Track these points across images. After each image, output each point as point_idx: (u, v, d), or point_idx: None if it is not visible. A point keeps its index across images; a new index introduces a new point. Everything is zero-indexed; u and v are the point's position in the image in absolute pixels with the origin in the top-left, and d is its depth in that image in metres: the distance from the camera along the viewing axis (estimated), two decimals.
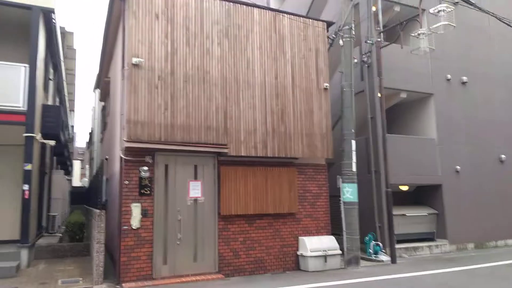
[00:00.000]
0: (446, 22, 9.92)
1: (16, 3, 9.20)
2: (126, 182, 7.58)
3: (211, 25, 8.64)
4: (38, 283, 7.30)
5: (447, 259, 10.59)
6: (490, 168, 13.10)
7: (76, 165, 41.13)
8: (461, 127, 12.87)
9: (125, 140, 7.50)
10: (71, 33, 25.51)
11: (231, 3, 9.00)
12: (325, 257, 8.75)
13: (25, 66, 9.11)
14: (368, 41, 11.34)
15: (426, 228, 11.94)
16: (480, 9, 11.85)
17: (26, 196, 8.66)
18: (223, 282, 7.60)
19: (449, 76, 12.92)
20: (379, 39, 11.08)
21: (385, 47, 11.23)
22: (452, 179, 12.31)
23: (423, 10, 11.44)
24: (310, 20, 10.04)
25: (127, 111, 7.56)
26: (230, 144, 8.37)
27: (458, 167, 12.45)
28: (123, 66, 8.05)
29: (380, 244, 10.35)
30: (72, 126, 28.28)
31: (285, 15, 9.67)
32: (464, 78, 13.19)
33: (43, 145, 10.84)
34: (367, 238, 10.43)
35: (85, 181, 38.39)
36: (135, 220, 7.50)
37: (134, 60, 7.69)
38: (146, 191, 7.70)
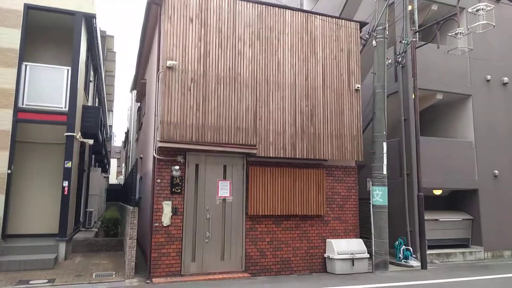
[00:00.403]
0: (485, 21, 9.59)
1: (60, 9, 9.76)
2: (158, 180, 7.86)
3: (243, 28, 8.78)
4: (74, 275, 7.70)
5: (481, 266, 10.24)
6: None
7: (113, 163, 42.70)
8: (501, 130, 12.38)
9: (158, 140, 7.78)
10: (112, 37, 26.56)
11: (264, 6, 9.10)
12: (352, 260, 8.68)
13: (67, 69, 9.63)
14: (403, 41, 11.11)
15: (460, 234, 11.58)
16: None
17: (66, 192, 9.13)
18: (249, 281, 7.72)
19: (489, 77, 12.46)
20: (414, 39, 10.83)
21: (421, 47, 10.98)
22: (490, 184, 11.86)
23: (462, 8, 11.09)
24: (343, 20, 9.97)
25: (161, 112, 7.83)
26: (259, 145, 8.47)
27: (496, 171, 11.98)
28: (158, 69, 8.34)
29: (411, 249, 10.15)
30: (110, 126, 29.40)
31: (317, 16, 9.66)
32: (505, 79, 12.69)
33: (82, 144, 11.39)
34: (397, 242, 10.26)
35: (121, 179, 39.72)
36: (166, 217, 7.76)
37: (169, 63, 7.95)
38: (177, 189, 7.95)
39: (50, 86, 9.44)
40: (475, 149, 11.89)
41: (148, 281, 7.38)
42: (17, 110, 8.99)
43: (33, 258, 8.21)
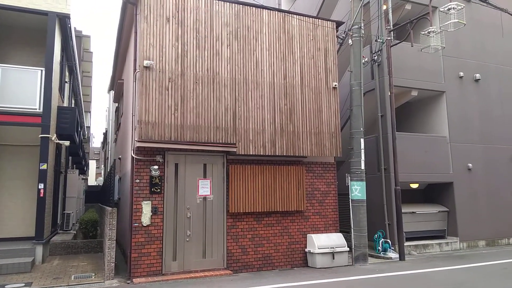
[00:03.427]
0: (456, 20, 9.90)
1: (33, 10, 9.51)
2: (137, 180, 7.81)
3: (221, 27, 8.80)
4: (51, 278, 7.56)
5: (457, 256, 10.56)
6: (504, 166, 12.99)
7: (92, 165, 41.96)
8: (474, 125, 12.78)
9: (136, 140, 7.72)
10: (88, 37, 26.14)
11: (241, 5, 9.13)
12: (333, 254, 8.83)
13: (41, 70, 9.41)
14: (378, 40, 11.35)
15: (436, 225, 11.92)
16: (493, 5, 11.76)
17: (41, 195, 8.94)
18: (231, 278, 7.75)
19: (461, 74, 12.84)
20: (389, 38, 11.07)
21: (396, 46, 11.24)
22: (464, 177, 12.23)
23: (434, 8, 11.41)
24: (319, 20, 10.10)
25: (139, 112, 7.77)
26: (239, 143, 8.51)
27: (470, 164, 12.37)
28: (135, 69, 8.27)
29: (389, 242, 10.39)
30: (88, 127, 28.90)
31: (294, 16, 9.76)
32: (477, 75, 13.09)
33: (58, 146, 11.17)
34: (376, 235, 10.49)
35: (101, 181, 39.12)
36: (146, 217, 7.72)
37: (146, 62, 7.90)
38: (156, 189, 7.91)
39: (23, 87, 9.20)
40: (450, 143, 12.24)
41: (129, 282, 7.32)
42: None
43: (9, 262, 8.02)
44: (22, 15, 9.74)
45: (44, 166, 9.06)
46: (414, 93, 12.24)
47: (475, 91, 13.04)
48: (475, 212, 12.16)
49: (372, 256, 9.96)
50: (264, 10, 9.39)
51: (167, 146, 7.96)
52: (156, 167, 7.94)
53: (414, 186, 12.24)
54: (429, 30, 10.25)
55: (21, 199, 10.09)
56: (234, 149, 8.43)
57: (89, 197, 24.34)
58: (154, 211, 7.82)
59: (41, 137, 9.19)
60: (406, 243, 10.50)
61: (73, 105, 15.65)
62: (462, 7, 9.86)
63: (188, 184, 8.27)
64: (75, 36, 13.86)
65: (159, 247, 7.75)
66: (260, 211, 8.71)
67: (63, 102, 12.19)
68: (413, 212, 11.48)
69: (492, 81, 13.38)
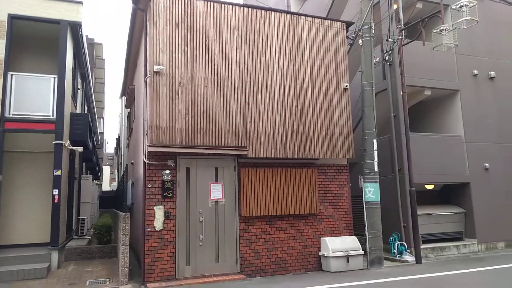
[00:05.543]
0: (469, 17, 9.74)
1: (45, 18, 9.69)
2: (149, 185, 7.82)
3: (230, 31, 8.80)
4: (67, 283, 7.62)
5: (475, 258, 10.31)
6: None
7: (106, 170, 42.41)
8: (490, 123, 12.52)
9: (148, 145, 7.75)
10: (100, 44, 26.49)
11: (249, 9, 9.13)
12: (347, 257, 8.71)
13: (54, 77, 9.57)
14: (390, 39, 11.23)
15: (453, 227, 11.66)
16: (507, 2, 11.55)
17: (56, 201, 9.05)
18: (245, 283, 7.69)
19: (475, 72, 12.61)
20: (400, 37, 10.93)
21: (408, 45, 11.09)
22: (481, 177, 11.97)
23: (446, 5, 11.24)
24: (329, 21, 10.04)
25: (150, 117, 7.81)
26: (250, 146, 8.48)
27: (487, 164, 12.10)
28: (145, 74, 8.33)
29: (405, 244, 10.21)
30: (102, 133, 29.20)
31: (303, 17, 9.71)
32: (492, 73, 12.84)
33: (72, 152, 11.30)
34: (391, 238, 10.32)
35: (115, 186, 39.51)
36: (158, 222, 7.72)
37: (156, 67, 7.93)
38: (168, 193, 7.92)
39: (36, 95, 9.38)
40: (465, 143, 12.00)
41: (143, 286, 7.32)
42: (3, 120, 8.91)
43: (25, 267, 8.12)
44: (35, 24, 9.90)
45: (58, 172, 9.17)
46: (427, 93, 12.05)
47: (490, 89, 12.79)
48: (494, 212, 11.87)
49: (387, 259, 9.79)
50: (273, 12, 9.37)
51: (178, 151, 7.97)
52: (167, 171, 7.95)
53: (430, 187, 12.02)
54: (441, 28, 10.09)
55: (36, 205, 10.20)
56: (245, 152, 8.40)
57: (103, 203, 24.58)
58: (167, 215, 7.82)
59: (55, 143, 9.32)
60: (423, 246, 10.31)
61: (86, 112, 15.85)
62: (474, 4, 9.69)
63: (200, 188, 8.26)
64: (88, 43, 14.06)
65: (172, 251, 7.74)
66: (272, 214, 8.64)
67: (76, 108, 12.35)
68: (429, 214, 11.27)
69: (508, 78, 13.09)
